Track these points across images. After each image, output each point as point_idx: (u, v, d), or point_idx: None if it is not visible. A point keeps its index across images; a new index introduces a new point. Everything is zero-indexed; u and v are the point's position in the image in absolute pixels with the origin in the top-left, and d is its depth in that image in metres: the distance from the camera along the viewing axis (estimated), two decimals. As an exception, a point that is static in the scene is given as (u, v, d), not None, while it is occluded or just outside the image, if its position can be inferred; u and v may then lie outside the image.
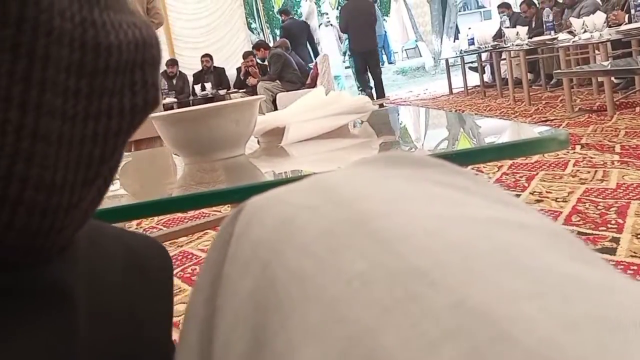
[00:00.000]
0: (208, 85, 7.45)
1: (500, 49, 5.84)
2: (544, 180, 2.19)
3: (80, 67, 0.18)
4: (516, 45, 5.30)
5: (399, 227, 0.17)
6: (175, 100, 7.19)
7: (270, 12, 10.05)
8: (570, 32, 4.56)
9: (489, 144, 0.78)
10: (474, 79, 7.33)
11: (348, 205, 0.19)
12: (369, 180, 0.22)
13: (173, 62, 7.73)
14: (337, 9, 10.46)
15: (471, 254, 0.16)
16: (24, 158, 0.16)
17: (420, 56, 12.12)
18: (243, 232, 0.22)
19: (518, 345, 0.12)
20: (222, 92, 7.52)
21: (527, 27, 5.92)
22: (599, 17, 4.19)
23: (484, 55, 6.74)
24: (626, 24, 4.23)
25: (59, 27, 0.17)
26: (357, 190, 0.21)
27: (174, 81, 7.60)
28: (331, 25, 10.36)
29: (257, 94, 5.64)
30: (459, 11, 12.56)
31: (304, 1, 10.44)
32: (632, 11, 4.09)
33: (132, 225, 2.43)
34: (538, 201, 1.94)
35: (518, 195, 2.01)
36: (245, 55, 7.40)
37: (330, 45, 10.14)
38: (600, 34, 4.07)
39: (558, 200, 1.91)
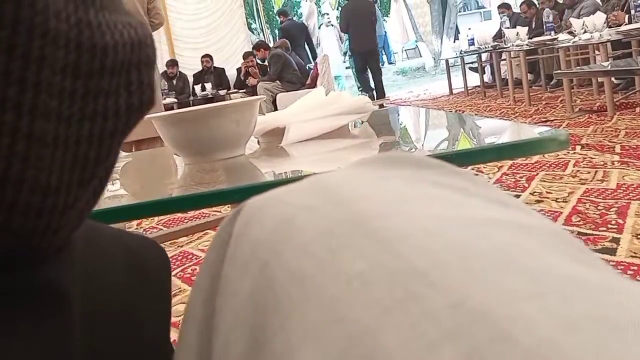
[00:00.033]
0: (208, 86, 7.45)
1: (501, 50, 5.84)
2: (544, 181, 2.19)
3: (76, 68, 0.18)
4: (516, 45, 5.30)
5: (399, 227, 0.17)
6: (176, 100, 7.19)
7: (271, 13, 10.05)
8: (571, 33, 4.56)
9: (489, 144, 0.78)
10: (474, 79, 7.33)
11: (347, 206, 0.19)
12: (369, 181, 0.22)
13: (173, 63, 7.73)
14: (338, 9, 10.46)
15: (471, 254, 0.16)
16: (20, 160, 0.16)
17: (421, 56, 12.13)
18: (242, 233, 0.22)
19: (518, 346, 0.12)
20: (222, 92, 7.53)
21: (527, 28, 5.92)
22: (599, 17, 4.19)
23: (484, 56, 6.74)
24: (626, 24, 4.23)
25: (54, 28, 0.17)
26: (356, 191, 0.21)
27: (174, 81, 7.60)
28: (332, 25, 10.37)
29: (257, 95, 5.65)
30: (459, 11, 12.56)
31: (304, 1, 10.44)
32: (632, 12, 4.08)
33: (133, 226, 2.43)
34: (538, 201, 1.94)
35: (518, 196, 2.01)
36: (246, 56, 7.41)
37: (331, 46, 10.16)
38: (600, 35, 4.07)
39: (558, 200, 1.91)
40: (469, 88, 7.03)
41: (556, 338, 0.12)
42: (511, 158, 1.93)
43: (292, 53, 6.93)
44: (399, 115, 1.58)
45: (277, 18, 9.14)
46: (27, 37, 0.16)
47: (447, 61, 7.83)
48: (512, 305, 0.13)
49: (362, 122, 1.10)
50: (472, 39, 6.94)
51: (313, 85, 6.15)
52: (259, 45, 7.47)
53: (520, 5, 7.07)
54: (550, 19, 5.41)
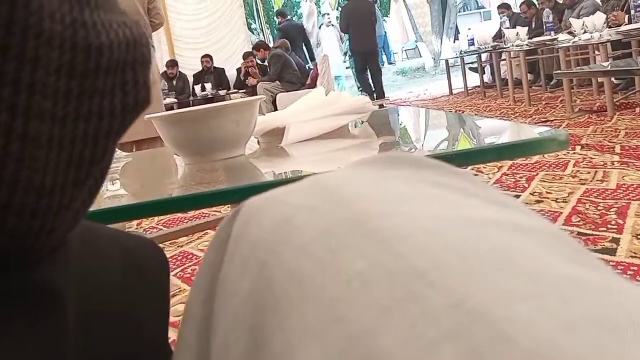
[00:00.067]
0: (208, 86, 7.45)
1: (501, 50, 5.84)
2: (544, 181, 2.19)
3: (71, 68, 0.18)
4: (516, 46, 5.30)
5: (398, 227, 0.17)
6: (176, 100, 7.19)
7: (271, 13, 10.06)
8: (571, 33, 4.56)
9: (489, 144, 0.78)
10: (474, 79, 7.33)
11: (347, 206, 0.19)
12: (369, 181, 0.22)
13: (173, 63, 7.74)
14: (338, 9, 10.47)
15: (470, 254, 0.16)
16: (14, 161, 0.16)
17: (421, 57, 12.12)
18: (241, 233, 0.22)
19: (517, 346, 0.12)
20: (222, 92, 7.53)
21: (527, 28, 5.92)
22: (599, 17, 4.19)
23: (484, 56, 6.74)
24: (626, 24, 4.24)
25: (49, 29, 0.17)
26: (356, 191, 0.21)
27: (175, 82, 7.61)
28: (332, 25, 10.36)
29: (257, 95, 5.64)
30: (459, 12, 12.55)
31: (304, 2, 10.45)
32: (632, 12, 4.09)
33: (133, 226, 2.43)
34: (538, 202, 1.94)
35: (518, 196, 2.02)
36: (246, 56, 7.41)
37: (332, 46, 10.16)
38: (601, 35, 4.07)
39: (558, 201, 1.91)
40: (469, 88, 7.03)
41: (555, 339, 0.12)
42: (511, 158, 1.93)
43: (292, 53, 6.93)
44: (399, 115, 1.58)
45: (276, 19, 9.16)
46: (21, 38, 0.16)
47: (447, 61, 7.83)
48: (512, 305, 0.13)
49: (362, 122, 1.10)
50: (472, 40, 6.95)
51: (313, 85, 6.15)
52: (259, 46, 7.47)
53: (521, 6, 7.07)
54: (551, 19, 5.42)
